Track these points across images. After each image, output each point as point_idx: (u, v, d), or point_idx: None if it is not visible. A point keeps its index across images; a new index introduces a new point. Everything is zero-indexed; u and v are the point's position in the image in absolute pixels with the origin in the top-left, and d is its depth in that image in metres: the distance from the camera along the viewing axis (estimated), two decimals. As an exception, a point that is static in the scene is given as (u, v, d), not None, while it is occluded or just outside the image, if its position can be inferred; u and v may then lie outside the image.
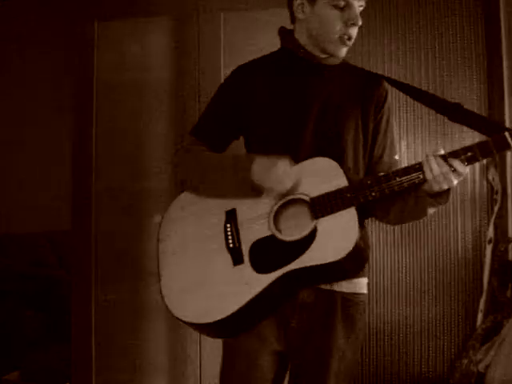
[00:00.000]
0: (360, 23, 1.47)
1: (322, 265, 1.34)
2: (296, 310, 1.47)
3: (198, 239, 1.50)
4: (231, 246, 1.45)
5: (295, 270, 1.36)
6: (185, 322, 1.45)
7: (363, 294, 1.54)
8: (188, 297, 1.46)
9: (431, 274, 2.52)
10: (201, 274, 1.46)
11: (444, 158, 1.33)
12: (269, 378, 1.52)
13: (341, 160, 1.46)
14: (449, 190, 1.37)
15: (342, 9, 1.45)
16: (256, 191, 1.44)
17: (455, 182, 1.34)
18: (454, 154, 1.33)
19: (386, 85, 1.59)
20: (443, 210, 2.53)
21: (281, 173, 1.37)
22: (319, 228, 1.37)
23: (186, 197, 1.57)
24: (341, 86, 1.55)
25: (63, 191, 3.37)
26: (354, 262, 1.39)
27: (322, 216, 1.38)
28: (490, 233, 2.45)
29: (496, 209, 2.45)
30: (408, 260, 2.55)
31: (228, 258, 1.45)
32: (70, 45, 2.89)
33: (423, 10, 2.56)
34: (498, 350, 2.23)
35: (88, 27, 2.75)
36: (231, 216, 1.47)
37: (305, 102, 1.51)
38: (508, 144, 1.30)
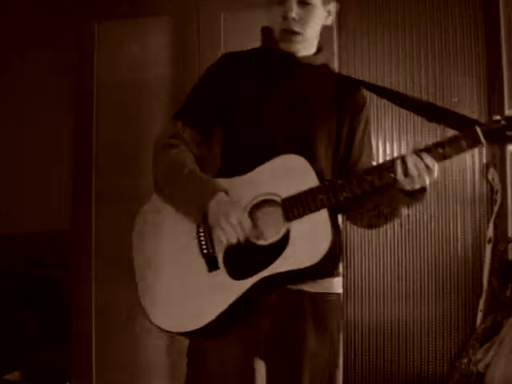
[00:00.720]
0: (292, 15, 1.47)
1: (299, 269, 1.32)
2: (265, 313, 1.43)
3: (172, 247, 1.46)
4: (205, 251, 1.42)
5: (273, 275, 1.34)
6: (169, 332, 1.43)
7: (335, 293, 1.51)
8: (168, 308, 1.43)
9: (431, 274, 2.52)
10: (178, 283, 1.43)
11: (417, 154, 1.31)
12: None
13: (313, 159, 1.43)
14: (424, 189, 1.35)
15: (279, 5, 1.49)
16: (206, 224, 1.41)
17: (427, 180, 1.32)
18: (427, 150, 1.31)
19: (365, 94, 1.58)
20: (443, 210, 2.53)
21: (232, 223, 1.34)
22: (292, 231, 1.35)
23: (157, 201, 1.52)
24: (317, 86, 1.54)
25: (63, 191, 3.37)
26: (328, 261, 1.36)
27: (295, 218, 1.35)
28: (490, 233, 2.45)
29: (496, 209, 2.45)
30: (408, 260, 2.55)
31: (203, 264, 1.41)
32: (70, 45, 2.89)
33: (423, 10, 2.57)
34: (498, 349, 2.23)
35: (88, 27, 2.75)
36: (204, 220, 1.41)
37: (279, 98, 1.50)
38: (479, 139, 1.28)
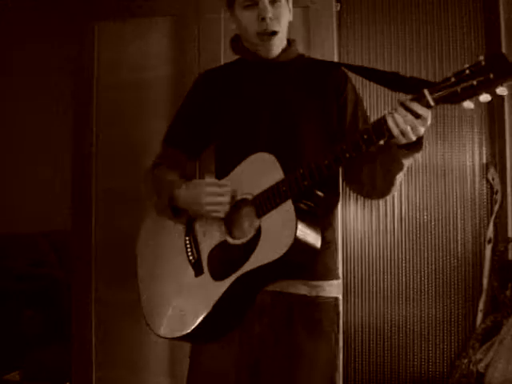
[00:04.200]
0: (269, 15, 1.48)
1: (269, 264, 1.32)
2: (256, 315, 1.45)
3: (165, 258, 1.55)
4: (191, 258, 1.48)
5: (247, 272, 1.35)
6: (171, 338, 1.50)
7: (330, 297, 1.50)
8: (164, 317, 1.51)
9: (431, 274, 2.52)
10: (172, 292, 1.52)
11: (404, 106, 1.26)
12: None
13: (299, 153, 1.44)
14: (420, 138, 1.32)
15: (251, 7, 1.50)
16: (179, 217, 1.50)
17: (422, 130, 1.28)
18: (415, 99, 1.26)
19: (345, 70, 1.59)
20: (443, 210, 2.53)
21: (211, 199, 1.41)
22: (263, 226, 1.36)
23: (151, 217, 1.65)
24: (295, 79, 1.56)
25: (63, 191, 3.37)
26: (305, 255, 1.35)
27: (264, 214, 1.37)
28: (490, 233, 2.45)
29: (496, 209, 2.45)
30: (408, 260, 2.55)
31: (191, 270, 1.47)
32: (70, 44, 2.89)
33: (424, 10, 2.57)
34: (498, 349, 2.23)
35: (88, 27, 2.75)
36: (189, 228, 1.50)
37: (258, 104, 1.53)
38: (427, 100, 1.23)
